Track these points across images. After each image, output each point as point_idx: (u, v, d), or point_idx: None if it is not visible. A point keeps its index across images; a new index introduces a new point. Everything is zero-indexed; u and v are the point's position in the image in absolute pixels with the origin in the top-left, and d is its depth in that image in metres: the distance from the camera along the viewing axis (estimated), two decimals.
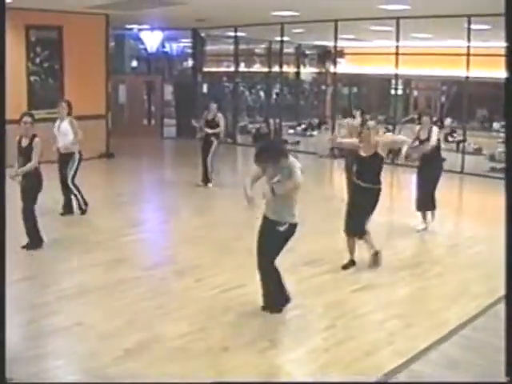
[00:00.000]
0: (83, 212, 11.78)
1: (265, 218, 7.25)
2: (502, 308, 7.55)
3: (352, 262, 9.09)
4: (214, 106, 15.08)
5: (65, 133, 11.52)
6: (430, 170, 11.02)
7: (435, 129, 10.96)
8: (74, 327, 6.91)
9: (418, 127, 11.21)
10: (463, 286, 8.54)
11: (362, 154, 8.85)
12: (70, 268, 8.95)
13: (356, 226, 8.92)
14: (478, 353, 6.44)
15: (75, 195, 11.73)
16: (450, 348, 6.58)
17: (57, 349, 6.50)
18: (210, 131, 14.78)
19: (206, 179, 15.05)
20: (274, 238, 7.15)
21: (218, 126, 14.87)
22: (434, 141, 10.74)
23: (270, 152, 7.06)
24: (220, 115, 15.01)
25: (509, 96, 4.99)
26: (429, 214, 11.20)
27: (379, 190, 8.91)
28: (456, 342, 6.70)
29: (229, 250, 10.08)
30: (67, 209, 11.82)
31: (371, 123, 9.00)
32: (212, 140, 14.90)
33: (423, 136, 10.91)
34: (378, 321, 7.35)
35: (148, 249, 10.50)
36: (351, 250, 9.11)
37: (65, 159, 11.65)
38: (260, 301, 7.42)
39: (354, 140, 9.24)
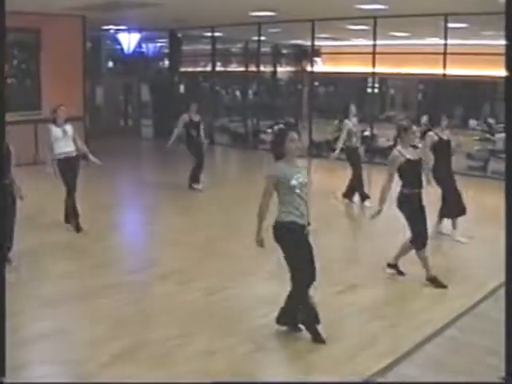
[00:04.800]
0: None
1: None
2: (485, 308, 7.66)
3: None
4: (194, 106, 14.84)
5: (73, 136, 11.11)
6: None
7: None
8: (60, 334, 6.90)
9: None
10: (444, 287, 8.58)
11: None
12: (53, 274, 8.91)
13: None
14: (463, 354, 6.48)
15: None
16: (435, 349, 6.63)
17: (42, 356, 6.48)
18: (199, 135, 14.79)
19: (197, 182, 14.96)
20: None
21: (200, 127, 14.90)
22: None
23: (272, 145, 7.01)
24: (199, 116, 14.98)
25: (509, 94, 5.01)
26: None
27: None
28: (440, 343, 6.75)
29: (211, 252, 10.09)
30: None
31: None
32: (202, 142, 15.00)
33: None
34: (361, 322, 7.41)
35: (131, 252, 10.47)
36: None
37: (77, 163, 11.22)
38: (242, 303, 7.45)
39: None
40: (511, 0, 5.05)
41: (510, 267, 4.76)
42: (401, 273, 8.97)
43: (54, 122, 11.00)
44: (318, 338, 6.75)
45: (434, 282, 8.56)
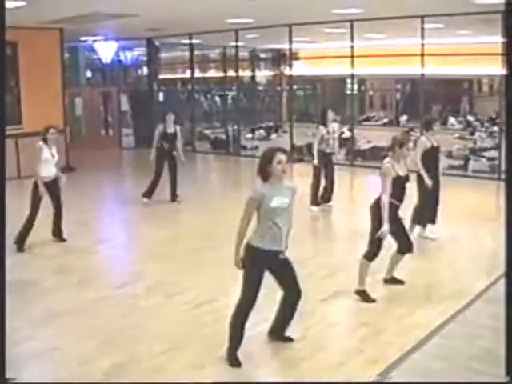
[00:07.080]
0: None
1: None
2: (470, 314, 7.72)
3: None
4: (171, 117, 14.22)
5: (56, 159, 11.19)
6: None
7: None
8: (50, 352, 6.89)
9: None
10: (429, 290, 8.66)
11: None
12: (40, 291, 8.90)
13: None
14: (450, 361, 6.48)
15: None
16: (422, 357, 6.64)
17: (35, 376, 6.48)
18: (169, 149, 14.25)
19: (175, 195, 14.66)
20: None
21: (176, 139, 14.30)
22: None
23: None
24: (178, 127, 14.42)
25: (509, 93, 5.06)
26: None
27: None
28: (427, 351, 6.75)
29: (196, 263, 10.11)
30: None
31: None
32: (174, 155, 14.39)
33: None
34: (348, 329, 7.49)
35: (116, 266, 10.48)
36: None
37: (57, 185, 11.34)
38: (230, 314, 7.49)
39: None
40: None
41: (510, 269, 4.81)
42: (400, 282, 8.82)
43: (45, 141, 10.99)
44: (233, 362, 6.62)
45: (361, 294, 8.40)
